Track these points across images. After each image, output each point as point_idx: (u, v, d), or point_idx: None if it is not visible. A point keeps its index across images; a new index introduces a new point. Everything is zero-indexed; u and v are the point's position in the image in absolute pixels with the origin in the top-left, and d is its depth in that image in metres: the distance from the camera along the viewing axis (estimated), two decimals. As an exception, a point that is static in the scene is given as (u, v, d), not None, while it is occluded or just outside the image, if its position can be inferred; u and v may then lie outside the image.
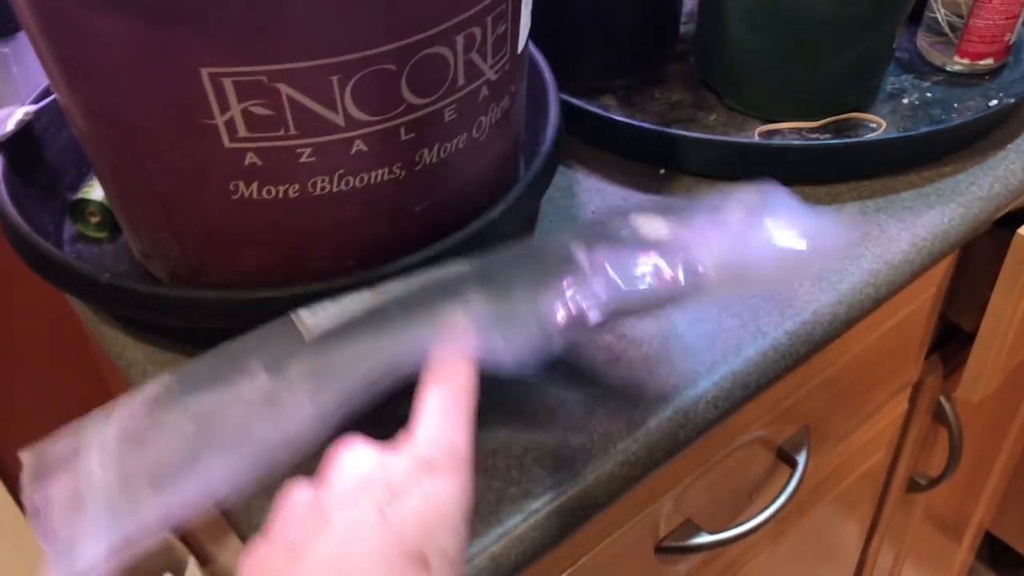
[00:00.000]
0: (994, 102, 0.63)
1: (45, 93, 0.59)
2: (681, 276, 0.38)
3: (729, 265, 0.39)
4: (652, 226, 0.40)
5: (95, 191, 0.57)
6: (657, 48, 0.68)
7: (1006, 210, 0.61)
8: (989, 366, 0.71)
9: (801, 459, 0.59)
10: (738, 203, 0.41)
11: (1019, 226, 0.64)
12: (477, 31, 0.43)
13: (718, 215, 0.40)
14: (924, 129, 0.58)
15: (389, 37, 0.40)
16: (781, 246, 0.39)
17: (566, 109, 0.61)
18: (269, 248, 0.46)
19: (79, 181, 0.59)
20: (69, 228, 0.58)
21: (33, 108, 0.56)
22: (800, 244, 0.39)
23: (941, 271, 0.66)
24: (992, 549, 1.37)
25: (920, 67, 0.68)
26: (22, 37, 0.71)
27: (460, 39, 0.42)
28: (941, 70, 0.67)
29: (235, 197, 0.43)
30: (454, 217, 0.49)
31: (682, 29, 0.71)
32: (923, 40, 0.68)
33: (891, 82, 0.67)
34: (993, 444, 1.02)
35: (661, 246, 0.40)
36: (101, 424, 0.36)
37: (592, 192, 0.60)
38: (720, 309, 0.51)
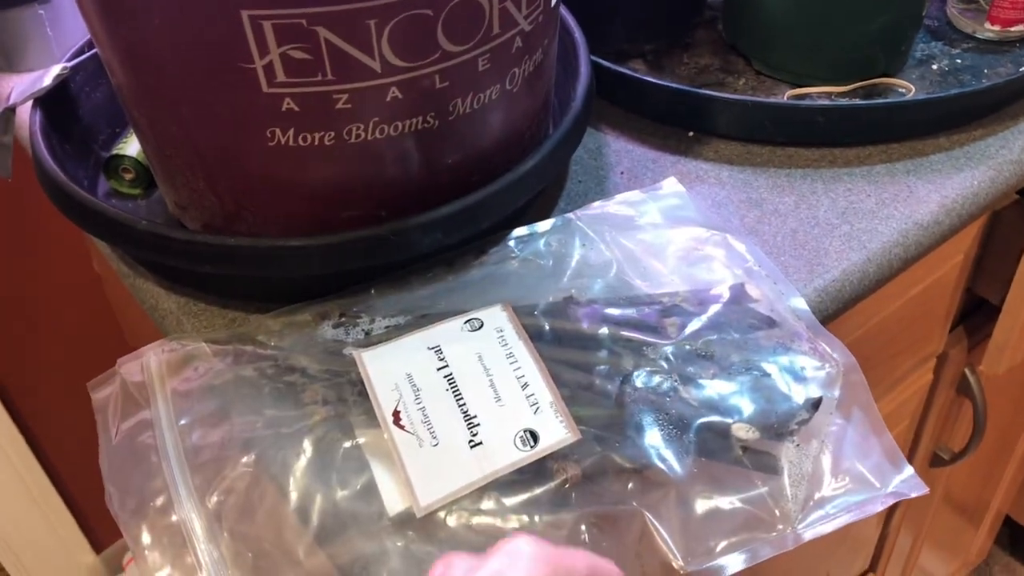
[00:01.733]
0: None
1: (80, 51, 0.59)
2: None
3: None
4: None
5: (130, 147, 0.58)
6: (685, 12, 0.68)
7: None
8: (1015, 337, 0.71)
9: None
10: None
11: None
12: (512, -20, 0.43)
13: None
14: (954, 91, 0.58)
15: (426, -18, 0.40)
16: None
17: (596, 71, 0.61)
18: (303, 197, 0.47)
19: (113, 139, 0.60)
20: (103, 185, 0.59)
21: (69, 64, 0.57)
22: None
23: (968, 239, 0.65)
24: (1011, 534, 1.37)
25: (950, 35, 0.68)
26: (57, 0, 0.72)
27: (495, -13, 0.43)
28: (972, 37, 0.67)
29: (271, 144, 0.44)
30: (484, 171, 0.49)
31: (710, -4, 0.71)
32: (953, 7, 0.67)
33: (920, 49, 0.67)
34: (1015, 426, 1.01)
35: None
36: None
37: (621, 154, 0.61)
38: (749, 265, 0.51)
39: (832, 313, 0.51)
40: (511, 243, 0.51)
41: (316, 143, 0.44)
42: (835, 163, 0.59)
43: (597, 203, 0.54)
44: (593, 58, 0.61)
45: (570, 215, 0.53)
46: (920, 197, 0.56)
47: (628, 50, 0.67)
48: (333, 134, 0.44)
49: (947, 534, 1.13)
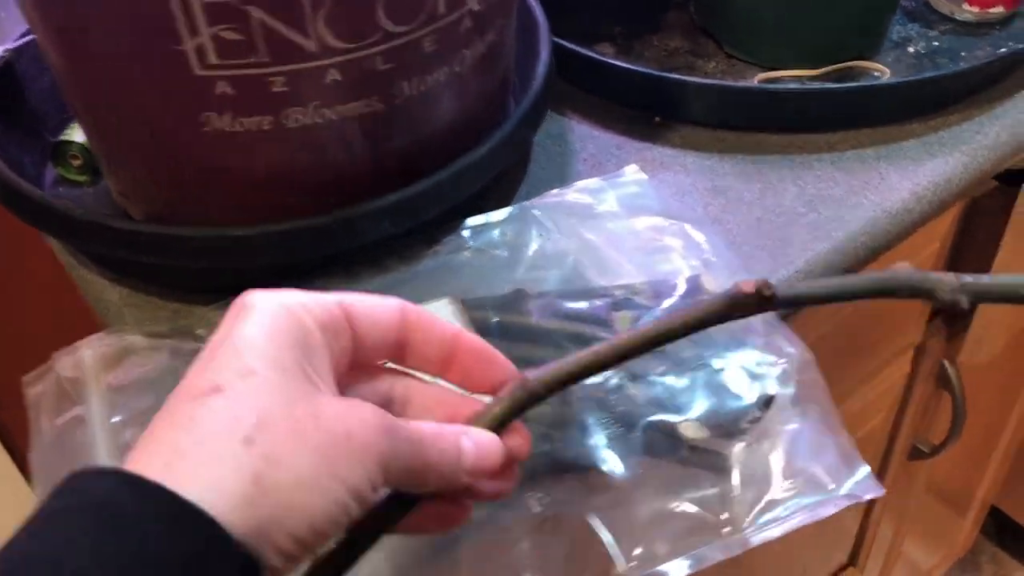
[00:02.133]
0: (1003, 51, 0.60)
1: (26, 33, 0.57)
2: None
3: None
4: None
5: (77, 133, 0.56)
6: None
7: (1012, 161, 0.59)
8: (993, 327, 0.69)
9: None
10: None
11: (1026, 182, 0.62)
12: (458, -43, 0.41)
13: None
14: (928, 74, 0.56)
15: (363, -42, 0.38)
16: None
17: (560, 53, 0.59)
18: (244, 184, 0.45)
19: (62, 125, 0.58)
20: (51, 172, 0.57)
21: (12, 46, 0.55)
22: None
23: (944, 227, 0.64)
24: (998, 524, 1.36)
25: (928, 16, 0.66)
26: (8, -19, 0.69)
27: (439, -36, 0.41)
28: (950, 19, 0.65)
29: (207, 129, 0.42)
30: (436, 156, 0.47)
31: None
32: (932, -13, 0.65)
33: (897, 31, 0.65)
34: (1000, 416, 1.00)
35: None
36: None
37: (585, 139, 0.59)
38: (711, 256, 0.50)
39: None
40: (465, 233, 0.50)
41: (254, 128, 0.42)
42: (805, 149, 0.57)
43: (555, 191, 0.52)
44: (557, 40, 0.60)
45: (527, 203, 0.51)
46: (891, 184, 0.54)
47: (597, 32, 0.65)
48: (271, 119, 0.42)
49: (931, 524, 1.12)
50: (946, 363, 0.76)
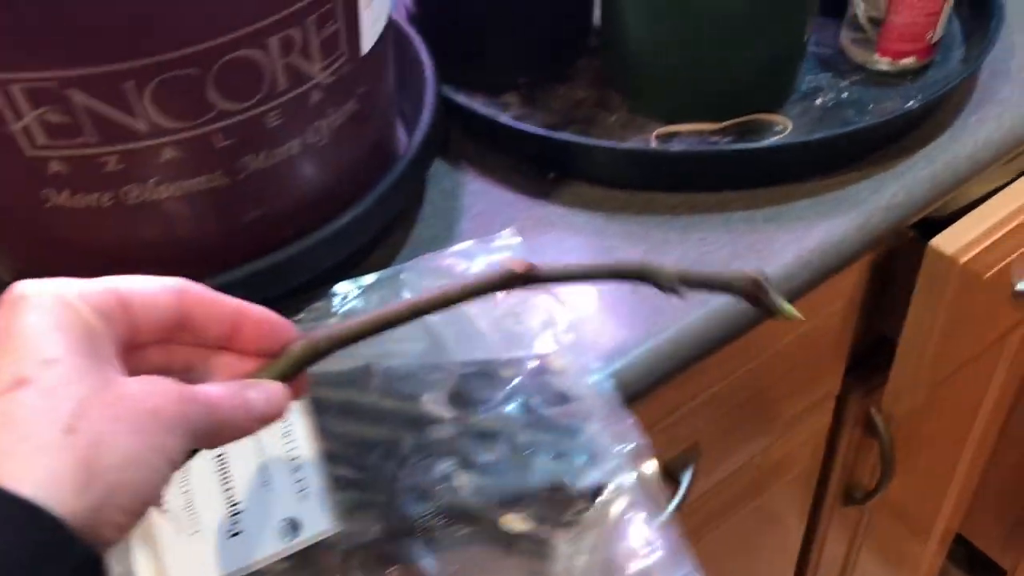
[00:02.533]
0: (912, 103, 0.59)
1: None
2: None
3: None
4: None
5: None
6: (565, 43, 0.65)
7: (913, 220, 0.58)
8: (912, 379, 0.68)
9: (685, 479, 0.57)
10: None
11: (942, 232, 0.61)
12: (296, 33, 0.41)
13: None
14: (817, 136, 0.55)
15: (183, 42, 0.38)
16: None
17: (453, 107, 0.59)
18: (92, 256, 0.45)
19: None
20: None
21: None
22: None
23: (851, 283, 0.62)
24: (968, 554, 1.34)
25: (841, 65, 0.64)
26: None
27: (274, 42, 0.40)
28: (863, 68, 0.64)
29: (48, 205, 0.42)
30: (298, 224, 0.47)
31: (597, 22, 0.68)
32: (845, 36, 0.64)
33: (808, 80, 0.63)
34: (954, 446, 0.98)
35: None
36: None
37: (478, 195, 0.58)
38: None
39: (666, 374, 0.48)
40: (334, 299, 0.49)
41: (94, 205, 0.42)
42: (695, 209, 0.56)
43: (430, 254, 0.51)
44: (451, 94, 0.59)
45: (399, 267, 0.50)
46: (776, 248, 0.53)
47: (502, 82, 0.64)
48: (110, 195, 0.42)
49: (891, 550, 1.10)
50: (873, 411, 0.75)
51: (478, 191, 0.58)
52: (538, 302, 0.47)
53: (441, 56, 0.65)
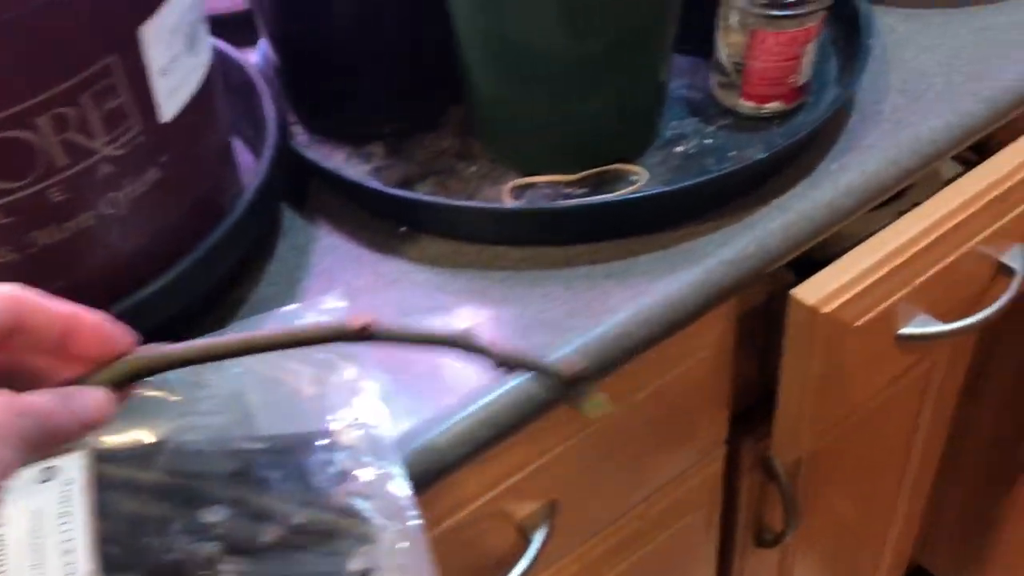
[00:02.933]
0: (759, 154, 0.57)
1: None
2: None
3: None
4: None
5: None
6: (434, 92, 0.65)
7: (768, 270, 0.56)
8: (794, 427, 0.66)
9: (538, 537, 0.56)
10: None
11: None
12: (70, 111, 0.40)
13: None
14: (656, 191, 0.53)
15: (-64, 126, 0.38)
16: None
17: (298, 161, 0.58)
18: None
19: None
20: None
21: None
22: None
23: (718, 331, 0.61)
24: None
25: (711, 109, 0.63)
26: None
27: (44, 121, 0.40)
28: (732, 113, 0.62)
29: None
30: (116, 288, 0.46)
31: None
32: (712, 80, 0.63)
33: (673, 126, 0.62)
34: (887, 479, 0.96)
35: None
36: None
37: (328, 250, 0.57)
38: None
39: (483, 443, 0.47)
40: (152, 368, 0.49)
41: None
42: (540, 264, 0.55)
43: (256, 317, 0.51)
44: (299, 149, 0.59)
45: (220, 333, 0.50)
46: (612, 306, 0.52)
47: (368, 132, 0.64)
48: None
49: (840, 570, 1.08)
50: (772, 455, 0.73)
51: (329, 246, 0.58)
52: (345, 372, 0.46)
53: (307, 107, 0.65)
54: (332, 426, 0.43)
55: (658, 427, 0.62)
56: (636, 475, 0.64)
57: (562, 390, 0.37)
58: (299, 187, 0.61)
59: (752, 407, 0.72)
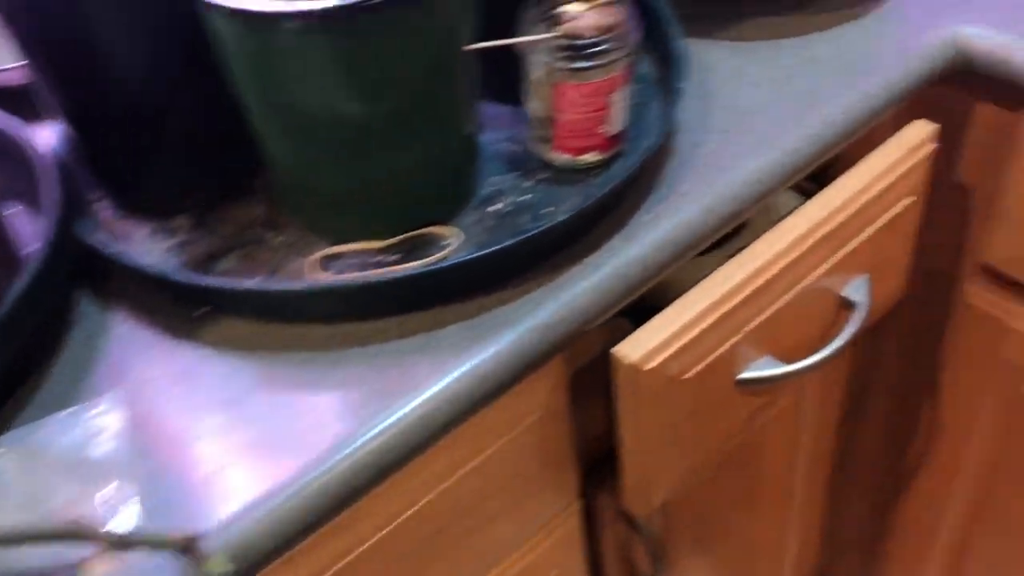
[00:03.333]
0: (557, 213, 0.55)
1: None
2: None
3: None
4: None
5: None
6: (233, 158, 0.61)
7: (587, 328, 0.54)
8: (643, 480, 0.64)
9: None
10: None
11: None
12: None
13: None
14: (460, 260, 0.51)
15: None
16: None
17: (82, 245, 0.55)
18: None
19: None
20: None
21: None
22: None
23: (545, 391, 0.58)
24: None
25: (531, 163, 0.61)
26: None
27: None
28: (551, 166, 0.60)
29: None
30: None
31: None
32: (528, 133, 0.61)
33: (492, 182, 0.60)
34: (773, 510, 0.96)
35: None
36: None
37: (121, 339, 0.54)
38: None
39: (294, 538, 0.44)
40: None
41: None
42: (348, 341, 0.52)
43: (24, 428, 0.47)
44: (82, 234, 0.55)
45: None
46: (417, 382, 0.49)
47: (173, 206, 0.60)
48: None
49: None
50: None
51: (122, 335, 0.54)
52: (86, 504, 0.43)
53: (110, 182, 0.61)
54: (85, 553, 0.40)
55: (496, 495, 0.60)
56: (473, 548, 0.62)
57: (182, 557, 0.38)
58: (101, 269, 0.57)
59: (606, 458, 0.70)
